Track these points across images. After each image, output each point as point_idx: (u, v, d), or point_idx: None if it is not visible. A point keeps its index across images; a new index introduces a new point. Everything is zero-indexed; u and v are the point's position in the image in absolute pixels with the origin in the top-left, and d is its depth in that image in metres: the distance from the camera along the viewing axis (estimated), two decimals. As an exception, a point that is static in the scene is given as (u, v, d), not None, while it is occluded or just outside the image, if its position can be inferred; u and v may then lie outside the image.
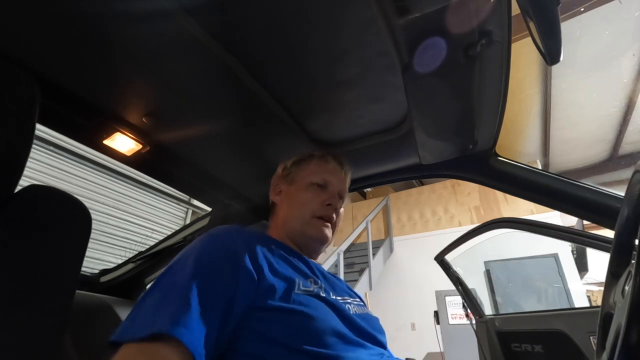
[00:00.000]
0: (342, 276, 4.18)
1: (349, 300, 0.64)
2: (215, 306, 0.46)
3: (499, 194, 5.55)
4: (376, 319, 0.66)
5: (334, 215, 0.75)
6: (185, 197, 4.87)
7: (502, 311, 4.51)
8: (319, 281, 0.61)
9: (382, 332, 0.64)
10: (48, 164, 3.50)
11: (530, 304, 4.50)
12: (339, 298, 0.61)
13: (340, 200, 0.78)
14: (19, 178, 0.53)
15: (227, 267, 0.52)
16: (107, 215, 3.97)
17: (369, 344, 0.55)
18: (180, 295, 0.45)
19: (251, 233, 0.63)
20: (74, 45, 0.61)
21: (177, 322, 0.41)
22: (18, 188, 0.53)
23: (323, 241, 0.73)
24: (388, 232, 6.35)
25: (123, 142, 0.83)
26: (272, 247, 0.62)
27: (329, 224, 0.74)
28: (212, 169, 1.02)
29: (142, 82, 0.70)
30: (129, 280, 1.35)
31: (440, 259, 1.68)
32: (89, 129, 0.78)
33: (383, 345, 0.60)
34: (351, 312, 0.59)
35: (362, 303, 0.71)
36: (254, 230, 0.69)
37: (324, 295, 0.57)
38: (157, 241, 1.47)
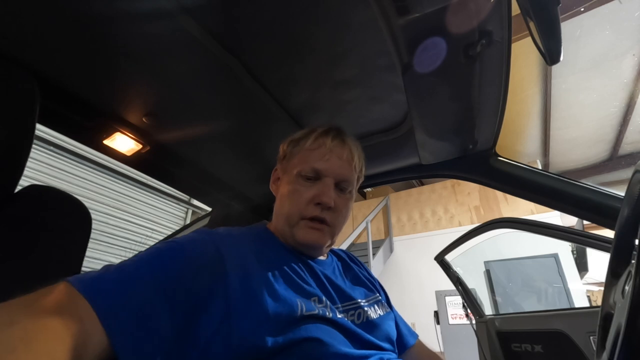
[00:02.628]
0: (342, 276, 4.15)
1: (353, 306, 0.58)
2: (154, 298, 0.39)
3: (499, 194, 5.55)
4: (382, 318, 0.61)
5: (330, 215, 0.59)
6: (185, 197, 4.87)
7: (502, 311, 4.51)
8: (323, 298, 0.53)
9: (387, 333, 0.60)
10: (48, 164, 3.50)
11: (530, 304, 4.50)
12: (342, 308, 0.56)
13: (341, 192, 0.61)
14: (19, 178, 0.53)
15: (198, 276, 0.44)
16: (107, 215, 3.97)
17: (371, 351, 0.52)
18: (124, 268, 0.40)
19: (243, 236, 0.56)
20: (74, 45, 0.61)
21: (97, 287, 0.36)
22: (18, 188, 0.53)
23: (315, 247, 0.60)
24: (388, 232, 6.35)
25: (123, 142, 0.83)
26: (270, 256, 0.54)
27: (322, 226, 0.59)
28: (212, 169, 1.02)
29: (142, 82, 0.70)
30: (129, 280, 1.35)
31: (440, 259, 1.68)
32: (89, 129, 0.78)
33: (385, 348, 0.57)
34: (355, 325, 0.54)
35: (371, 296, 0.65)
36: (251, 229, 0.63)
37: (329, 315, 0.50)
38: (157, 241, 1.47)
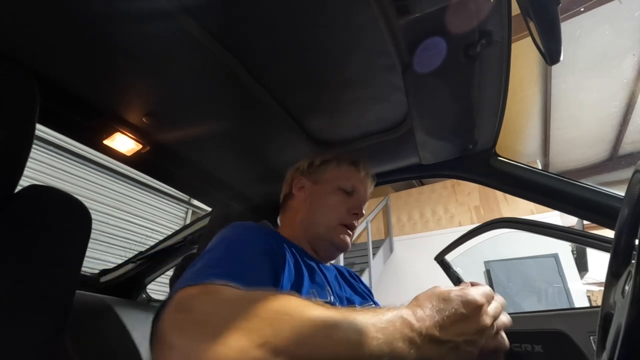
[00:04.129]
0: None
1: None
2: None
3: (499, 194, 5.54)
4: None
5: (355, 224, 0.73)
6: (185, 197, 4.87)
7: (502, 311, 4.50)
8: (333, 298, 0.60)
9: None
10: (48, 164, 3.50)
11: (530, 304, 4.50)
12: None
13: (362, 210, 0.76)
14: (19, 178, 0.53)
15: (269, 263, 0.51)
16: (107, 215, 3.97)
17: None
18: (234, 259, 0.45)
19: (274, 234, 0.62)
20: (74, 45, 0.61)
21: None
22: (18, 188, 0.53)
23: (344, 249, 0.71)
24: (388, 232, 6.35)
25: (123, 142, 0.83)
26: (294, 253, 0.61)
27: (351, 233, 0.71)
28: (213, 169, 1.02)
29: (142, 82, 0.70)
30: (129, 280, 1.35)
31: (440, 259, 1.68)
32: (89, 129, 0.78)
33: None
34: None
35: (365, 304, 0.70)
36: (261, 229, 0.67)
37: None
38: (157, 241, 1.47)
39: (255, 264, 0.47)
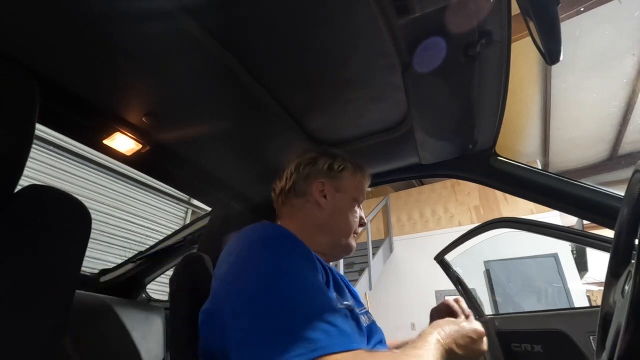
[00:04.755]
0: (342, 276, 4.16)
1: (364, 311, 0.66)
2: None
3: (499, 194, 5.55)
4: (369, 327, 0.65)
5: None
6: (185, 197, 4.87)
7: (502, 311, 4.51)
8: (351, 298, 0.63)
9: (382, 341, 0.65)
10: (48, 164, 3.50)
11: (530, 304, 4.50)
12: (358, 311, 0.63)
13: None
14: (19, 178, 0.53)
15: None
16: (107, 215, 3.97)
17: None
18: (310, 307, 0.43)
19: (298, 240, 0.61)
20: (74, 45, 0.61)
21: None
22: (18, 188, 0.53)
23: (350, 253, 0.76)
24: (388, 232, 6.35)
25: (123, 142, 0.83)
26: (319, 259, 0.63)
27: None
28: (213, 169, 1.02)
29: (142, 82, 0.70)
30: (128, 280, 1.36)
31: (440, 259, 1.68)
32: (89, 129, 0.78)
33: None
34: (364, 326, 0.60)
35: (362, 307, 0.71)
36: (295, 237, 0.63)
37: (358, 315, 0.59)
38: (157, 241, 1.47)
39: (322, 290, 0.47)
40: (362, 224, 0.78)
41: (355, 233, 0.77)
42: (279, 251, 0.51)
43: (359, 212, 0.78)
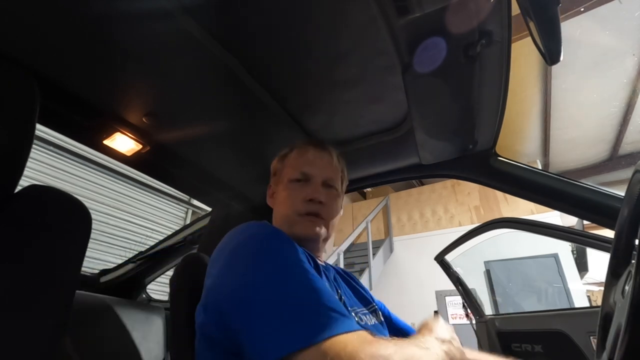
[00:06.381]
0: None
1: (364, 311, 0.65)
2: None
3: (499, 194, 5.54)
4: (375, 327, 0.65)
5: (322, 209, 0.67)
6: (185, 197, 4.87)
7: (502, 311, 4.51)
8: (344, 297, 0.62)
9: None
10: (48, 164, 3.50)
11: (530, 304, 4.50)
12: (356, 310, 0.62)
13: (328, 188, 0.69)
14: (19, 178, 0.53)
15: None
16: (107, 215, 3.97)
17: None
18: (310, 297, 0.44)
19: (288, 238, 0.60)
20: (74, 45, 0.61)
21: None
22: (18, 188, 0.53)
23: (314, 238, 0.66)
24: (388, 232, 6.35)
25: (123, 142, 0.83)
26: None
27: (316, 219, 0.66)
28: (212, 169, 1.02)
29: (142, 82, 0.70)
30: (128, 280, 1.36)
31: (440, 259, 1.68)
32: (89, 129, 0.78)
33: None
34: (362, 324, 0.60)
35: (369, 305, 0.70)
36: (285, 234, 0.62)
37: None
38: (157, 241, 1.47)
39: (318, 278, 0.47)
40: (310, 199, 0.66)
41: (306, 214, 0.66)
42: (274, 245, 0.52)
43: (305, 189, 0.67)
